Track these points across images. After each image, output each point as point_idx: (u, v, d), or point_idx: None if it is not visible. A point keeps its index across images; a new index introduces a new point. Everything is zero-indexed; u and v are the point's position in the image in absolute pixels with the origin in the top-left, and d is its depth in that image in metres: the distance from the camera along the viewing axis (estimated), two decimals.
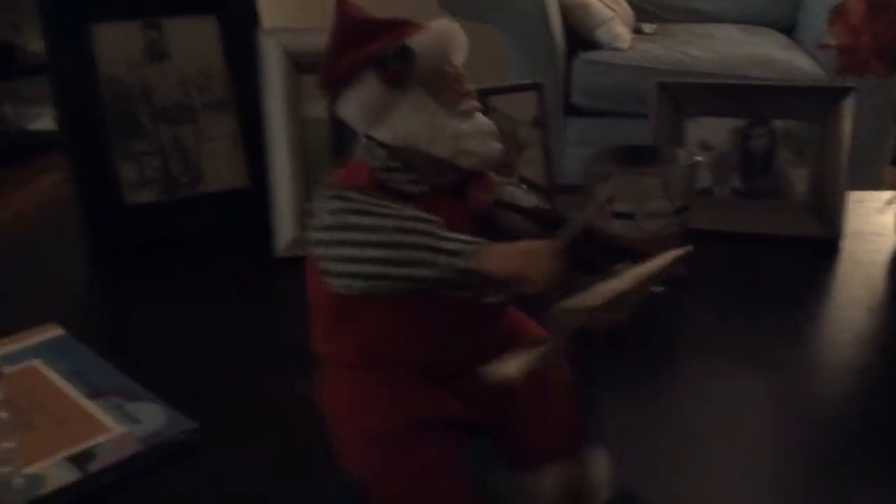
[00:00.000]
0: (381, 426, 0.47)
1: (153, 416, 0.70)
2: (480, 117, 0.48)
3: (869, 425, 0.74)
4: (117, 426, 0.69)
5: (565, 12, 2.75)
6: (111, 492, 0.64)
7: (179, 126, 1.11)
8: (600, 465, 0.52)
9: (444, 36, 0.47)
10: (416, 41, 0.47)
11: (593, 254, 0.45)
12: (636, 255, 0.43)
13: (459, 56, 0.48)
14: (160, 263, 1.04)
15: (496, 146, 0.48)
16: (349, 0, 0.49)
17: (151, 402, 0.72)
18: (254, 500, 0.64)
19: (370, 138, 0.47)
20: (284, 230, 1.03)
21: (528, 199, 0.49)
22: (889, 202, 1.04)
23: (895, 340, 0.89)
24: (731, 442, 0.71)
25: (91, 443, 0.66)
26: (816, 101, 1.06)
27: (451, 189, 0.48)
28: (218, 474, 0.66)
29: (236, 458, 0.68)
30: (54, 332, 0.83)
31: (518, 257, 0.40)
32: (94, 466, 0.64)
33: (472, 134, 0.46)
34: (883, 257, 1.04)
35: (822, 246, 1.05)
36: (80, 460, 0.64)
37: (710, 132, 1.09)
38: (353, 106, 0.48)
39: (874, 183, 1.94)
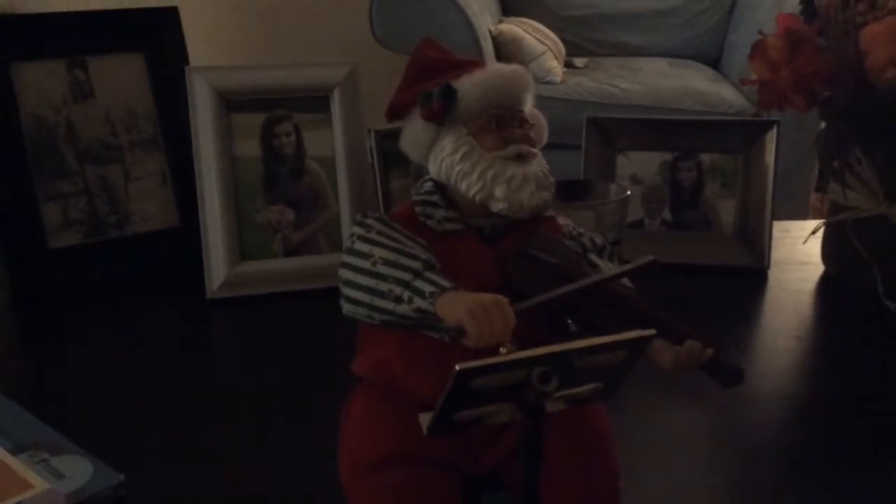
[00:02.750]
0: (365, 453, 0.47)
1: (79, 471, 0.67)
2: (532, 165, 0.48)
3: (796, 453, 0.75)
4: (42, 482, 0.66)
5: (498, 47, 2.79)
6: None
7: (106, 166, 1.08)
8: None
9: (495, 80, 0.48)
10: (463, 82, 0.47)
11: (599, 314, 0.45)
12: (642, 320, 0.43)
13: (515, 98, 0.48)
14: (86, 309, 1.01)
15: (536, 196, 0.47)
16: (433, 41, 0.51)
17: (77, 455, 0.69)
18: None
19: (426, 172, 0.49)
20: (217, 270, 1.01)
21: (562, 253, 0.48)
22: (814, 231, 1.06)
23: (822, 368, 0.91)
24: (667, 469, 0.72)
25: (14, 501, 0.63)
26: (741, 135, 1.09)
27: (494, 232, 0.48)
28: None
29: None
30: None
31: (465, 311, 0.40)
32: None
33: (509, 179, 0.46)
34: (810, 285, 1.07)
35: (750, 275, 1.07)
36: None
37: (640, 166, 1.11)
38: (405, 138, 0.50)
39: (801, 211, 2.00)
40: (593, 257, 0.50)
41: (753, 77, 1.02)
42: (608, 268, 0.49)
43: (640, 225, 1.11)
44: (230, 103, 1.03)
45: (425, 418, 0.39)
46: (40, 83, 1.05)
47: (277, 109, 1.04)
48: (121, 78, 1.09)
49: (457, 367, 0.36)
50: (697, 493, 0.69)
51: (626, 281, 0.50)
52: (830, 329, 0.99)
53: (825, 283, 1.07)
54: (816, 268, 1.10)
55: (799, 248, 1.12)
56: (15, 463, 0.68)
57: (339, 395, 0.64)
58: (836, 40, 0.96)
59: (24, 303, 1.01)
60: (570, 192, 0.96)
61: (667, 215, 1.11)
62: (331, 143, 1.05)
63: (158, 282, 1.06)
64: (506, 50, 2.80)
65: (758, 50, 1.00)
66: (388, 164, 1.03)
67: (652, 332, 0.40)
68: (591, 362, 0.39)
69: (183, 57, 1.12)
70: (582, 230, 0.52)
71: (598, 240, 0.52)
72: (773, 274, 1.07)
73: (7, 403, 0.77)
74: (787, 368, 0.89)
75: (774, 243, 1.09)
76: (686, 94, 2.73)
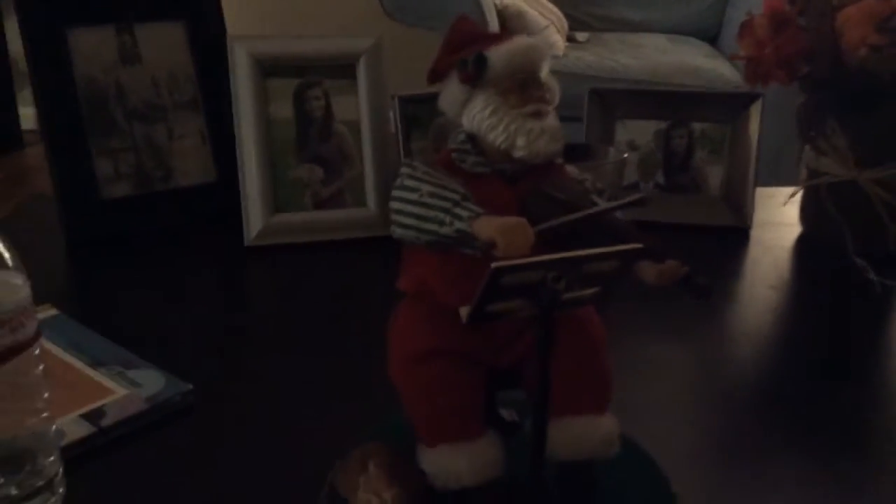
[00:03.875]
0: (409, 349, 0.57)
1: (152, 381, 0.79)
2: (548, 120, 0.58)
3: (771, 383, 0.87)
4: (122, 389, 0.77)
5: (503, 20, 2.88)
6: (121, 444, 0.72)
7: (151, 124, 1.18)
8: (613, 426, 0.59)
9: (518, 50, 0.58)
10: (493, 52, 0.57)
11: (599, 240, 0.55)
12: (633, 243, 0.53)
13: (534, 66, 0.58)
14: (136, 254, 1.12)
15: (550, 145, 0.57)
16: (467, 17, 0.61)
17: (149, 369, 0.80)
18: (241, 451, 0.73)
19: (461, 126, 0.59)
20: (254, 221, 1.12)
21: (571, 192, 0.58)
22: (793, 195, 1.18)
23: (794, 313, 1.03)
24: (661, 396, 0.83)
25: (100, 403, 0.75)
26: (728, 106, 1.19)
27: (515, 174, 0.58)
28: (212, 429, 0.76)
29: (227, 417, 0.77)
30: (49, 311, 0.90)
31: (496, 228, 0.51)
32: (105, 422, 0.72)
33: (528, 131, 0.56)
34: (787, 243, 1.18)
35: (734, 234, 1.18)
36: (92, 417, 0.73)
37: (637, 133, 1.22)
38: (444, 97, 0.60)
39: (793, 180, 2.10)
40: (595, 197, 0.61)
41: (742, 53, 1.12)
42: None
43: (635, 187, 1.22)
44: (266, 69, 1.13)
45: (464, 310, 0.50)
46: (92, 48, 1.15)
47: (309, 76, 1.14)
48: (165, 44, 1.19)
49: (492, 265, 0.47)
50: (687, 410, 0.80)
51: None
52: (803, 281, 1.11)
53: (801, 242, 1.18)
54: (794, 229, 1.21)
55: (779, 211, 1.23)
56: (96, 374, 0.80)
57: (359, 325, 0.78)
58: (816, 21, 1.06)
59: (79, 248, 1.12)
60: (572, 154, 1.06)
61: (660, 179, 1.22)
62: (356, 107, 1.16)
63: (198, 231, 1.17)
64: (510, 24, 2.89)
65: (745, 29, 1.11)
66: (409, 127, 1.14)
67: (639, 245, 0.51)
68: (592, 269, 0.50)
69: (221, 26, 1.22)
70: (586, 176, 0.63)
71: (599, 184, 0.63)
72: (755, 233, 1.19)
73: (82, 329, 0.88)
74: (763, 313, 1.01)
75: (757, 206, 1.20)
76: (683, 69, 2.83)
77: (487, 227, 0.51)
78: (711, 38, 3.14)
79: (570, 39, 3.12)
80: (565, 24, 3.11)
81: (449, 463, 0.56)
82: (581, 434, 0.57)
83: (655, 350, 0.92)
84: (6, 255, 0.58)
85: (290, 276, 1.08)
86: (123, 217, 1.15)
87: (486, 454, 0.56)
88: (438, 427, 0.56)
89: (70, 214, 1.12)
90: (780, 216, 1.23)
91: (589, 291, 0.53)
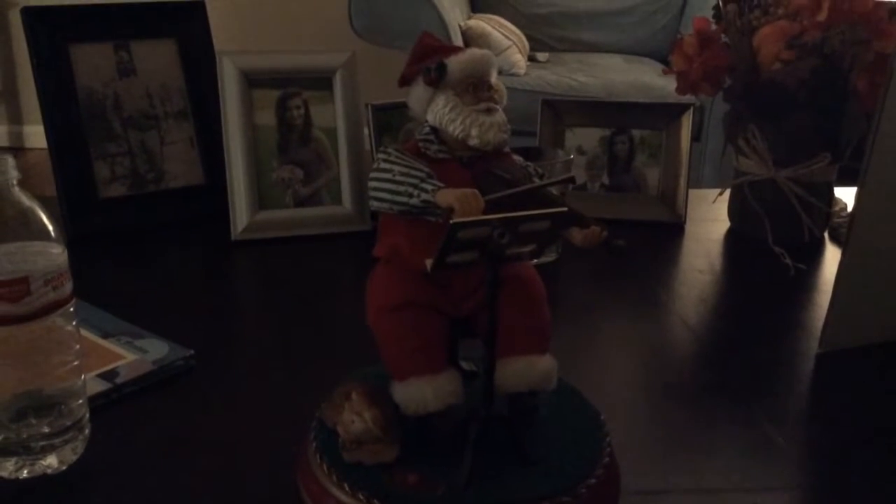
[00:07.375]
0: (384, 301, 0.69)
1: (157, 348, 0.90)
2: (497, 116, 0.70)
3: (698, 346, 1.01)
4: (131, 355, 0.89)
5: (467, 41, 3.03)
6: (133, 398, 0.84)
7: (145, 132, 1.30)
8: (552, 364, 0.70)
9: (472, 59, 0.70)
10: (451, 60, 0.70)
11: (535, 209, 0.67)
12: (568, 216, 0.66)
13: (484, 72, 0.71)
14: (132, 248, 1.23)
15: (498, 136, 0.70)
16: (430, 33, 0.74)
17: (154, 338, 0.92)
18: (237, 404, 0.85)
19: (426, 121, 0.71)
20: (241, 217, 1.24)
21: (515, 173, 0.70)
22: (720, 193, 1.32)
23: (719, 292, 1.17)
24: (605, 357, 0.97)
25: (114, 365, 0.86)
26: (664, 115, 1.34)
27: (470, 160, 0.70)
28: (211, 386, 0.88)
29: (224, 377, 0.89)
30: None
31: (453, 196, 0.63)
32: (119, 380, 0.84)
33: (480, 124, 0.69)
34: (717, 236, 1.33)
35: (670, 228, 1.33)
36: (108, 376, 0.84)
37: (584, 139, 1.36)
38: (412, 97, 0.72)
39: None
40: (535, 179, 0.74)
41: (674, 68, 1.27)
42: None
43: (583, 187, 1.36)
44: (251, 81, 1.25)
45: (429, 262, 0.63)
46: (92, 62, 1.26)
47: (290, 87, 1.27)
48: (157, 59, 1.31)
49: (451, 221, 0.59)
50: (633, 386, 0.92)
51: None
52: (730, 267, 1.25)
53: (729, 235, 1.33)
54: (723, 224, 1.35)
55: (710, 209, 1.38)
56: (107, 343, 0.91)
57: (334, 301, 0.91)
58: (736, 39, 1.21)
59: (79, 242, 1.23)
60: (525, 156, 1.20)
61: (605, 180, 1.36)
62: (333, 115, 1.29)
63: (188, 228, 1.29)
64: (474, 44, 3.05)
65: (677, 47, 1.26)
66: (381, 133, 1.26)
67: (564, 208, 0.64)
68: (529, 228, 0.63)
69: (208, 42, 1.35)
70: (529, 163, 0.76)
71: (539, 170, 0.76)
72: (689, 228, 1.33)
73: (90, 308, 0.98)
74: (696, 299, 1.14)
75: (691, 205, 1.35)
76: (637, 87, 3.00)
77: (447, 196, 0.64)
78: (664, 58, 3.32)
79: (532, 59, 3.28)
80: (526, 44, 3.27)
81: (417, 392, 0.68)
82: (524, 369, 0.70)
83: (604, 321, 1.06)
84: (49, 227, 0.70)
85: (273, 265, 1.20)
86: (120, 215, 1.27)
87: (449, 385, 0.68)
88: (408, 363, 0.68)
89: (71, 212, 1.23)
90: (712, 213, 1.38)
91: (527, 248, 0.66)
